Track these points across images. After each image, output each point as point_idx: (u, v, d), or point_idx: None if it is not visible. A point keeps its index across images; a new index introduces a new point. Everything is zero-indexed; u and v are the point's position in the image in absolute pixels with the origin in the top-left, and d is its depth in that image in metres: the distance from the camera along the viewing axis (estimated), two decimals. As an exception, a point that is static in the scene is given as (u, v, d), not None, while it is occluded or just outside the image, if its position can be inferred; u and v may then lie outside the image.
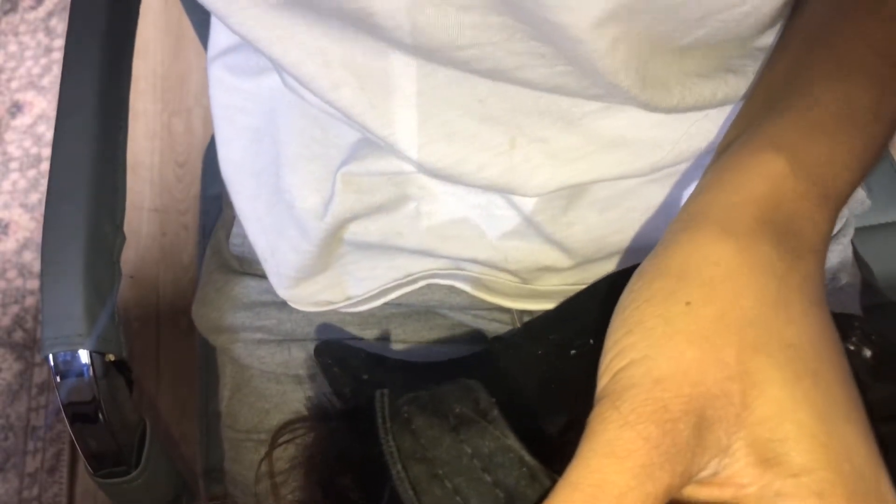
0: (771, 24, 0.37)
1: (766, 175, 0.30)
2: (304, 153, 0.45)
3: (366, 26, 0.34)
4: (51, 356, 0.47)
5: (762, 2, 0.34)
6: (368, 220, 0.46)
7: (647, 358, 0.26)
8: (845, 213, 0.53)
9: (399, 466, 0.29)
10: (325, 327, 0.52)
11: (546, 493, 0.26)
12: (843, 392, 0.27)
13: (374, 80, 0.37)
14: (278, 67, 0.40)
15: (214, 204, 0.71)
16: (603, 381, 0.27)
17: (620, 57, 0.34)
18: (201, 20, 0.71)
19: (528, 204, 0.43)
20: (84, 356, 0.47)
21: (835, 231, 0.53)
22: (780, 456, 0.25)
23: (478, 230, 0.45)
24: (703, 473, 0.26)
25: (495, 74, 0.36)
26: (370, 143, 0.43)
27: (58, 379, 0.47)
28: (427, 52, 0.35)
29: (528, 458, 0.28)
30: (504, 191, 0.41)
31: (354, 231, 0.47)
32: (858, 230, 0.57)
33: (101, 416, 0.48)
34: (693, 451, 0.25)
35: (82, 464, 1.08)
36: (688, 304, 0.27)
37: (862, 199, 0.54)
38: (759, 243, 0.28)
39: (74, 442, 0.49)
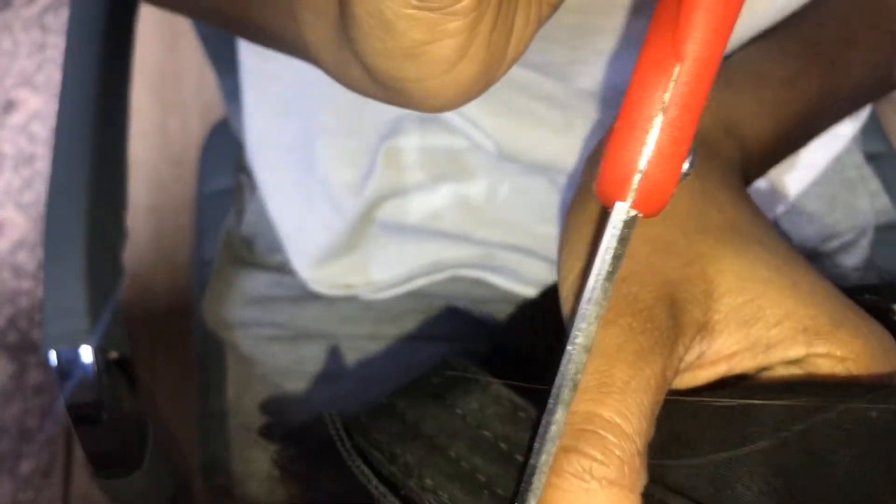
0: None
1: None
2: (339, 126, 0.44)
3: None
4: (53, 353, 0.46)
5: None
6: (406, 198, 0.45)
7: None
8: (872, 221, 0.54)
9: (393, 449, 0.27)
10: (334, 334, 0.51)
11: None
12: (790, 252, 0.29)
13: None
14: None
15: (213, 202, 0.70)
16: (568, 305, 0.28)
17: None
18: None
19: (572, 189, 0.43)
20: (87, 353, 0.46)
21: (852, 236, 0.54)
22: (757, 313, 0.27)
23: (518, 215, 0.45)
24: (690, 358, 0.27)
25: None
26: (414, 118, 0.43)
27: (60, 377, 0.46)
28: None
29: (517, 399, 0.28)
30: (557, 171, 0.41)
31: (390, 210, 0.46)
32: (878, 229, 0.57)
33: (104, 414, 0.47)
34: (674, 333, 0.26)
35: (77, 466, 1.07)
36: None
37: (887, 209, 0.55)
38: None
39: (69, 444, 0.48)
